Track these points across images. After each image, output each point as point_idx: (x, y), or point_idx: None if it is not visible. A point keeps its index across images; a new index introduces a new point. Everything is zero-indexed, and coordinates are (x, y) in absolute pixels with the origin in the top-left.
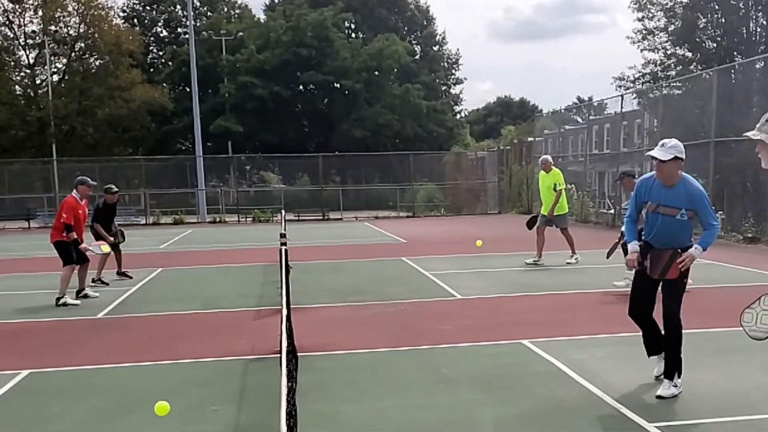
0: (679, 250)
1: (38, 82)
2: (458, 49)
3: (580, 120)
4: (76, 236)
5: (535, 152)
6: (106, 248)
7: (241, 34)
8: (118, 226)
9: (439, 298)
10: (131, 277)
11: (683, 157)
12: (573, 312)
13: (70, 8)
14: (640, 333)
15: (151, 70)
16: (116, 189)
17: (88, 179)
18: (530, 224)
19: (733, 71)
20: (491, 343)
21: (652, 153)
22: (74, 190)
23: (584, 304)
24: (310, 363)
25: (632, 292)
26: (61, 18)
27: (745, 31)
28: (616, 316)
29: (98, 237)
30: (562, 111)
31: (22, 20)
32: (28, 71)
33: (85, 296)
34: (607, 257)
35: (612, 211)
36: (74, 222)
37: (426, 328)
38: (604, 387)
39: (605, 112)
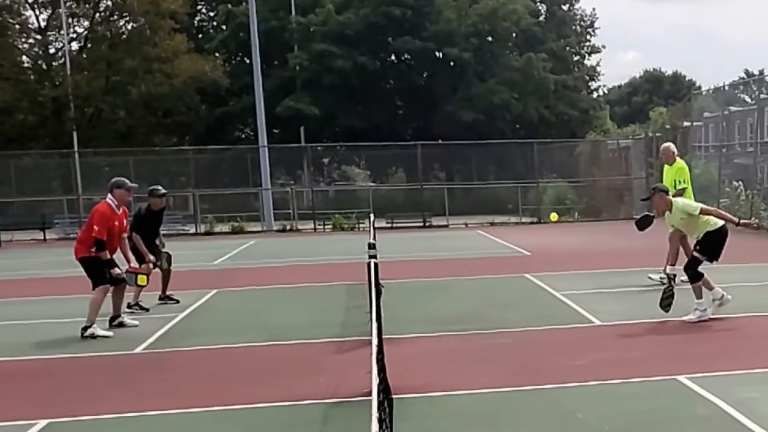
0: None
1: (52, 51)
2: (594, 9)
3: (748, 100)
4: (109, 256)
5: (693, 140)
6: (143, 280)
7: None
8: (164, 246)
9: (572, 325)
10: (178, 302)
11: None
12: (740, 340)
13: None
14: None
15: (200, 36)
16: (164, 191)
17: (127, 181)
18: (641, 224)
19: None
20: (638, 381)
21: None
22: (109, 195)
23: (755, 330)
24: (408, 408)
25: None
26: None
27: None
28: None
29: (136, 253)
30: (726, 88)
31: None
32: (38, 37)
33: (120, 325)
34: None
35: None
36: (108, 236)
37: (555, 364)
38: None
39: None
